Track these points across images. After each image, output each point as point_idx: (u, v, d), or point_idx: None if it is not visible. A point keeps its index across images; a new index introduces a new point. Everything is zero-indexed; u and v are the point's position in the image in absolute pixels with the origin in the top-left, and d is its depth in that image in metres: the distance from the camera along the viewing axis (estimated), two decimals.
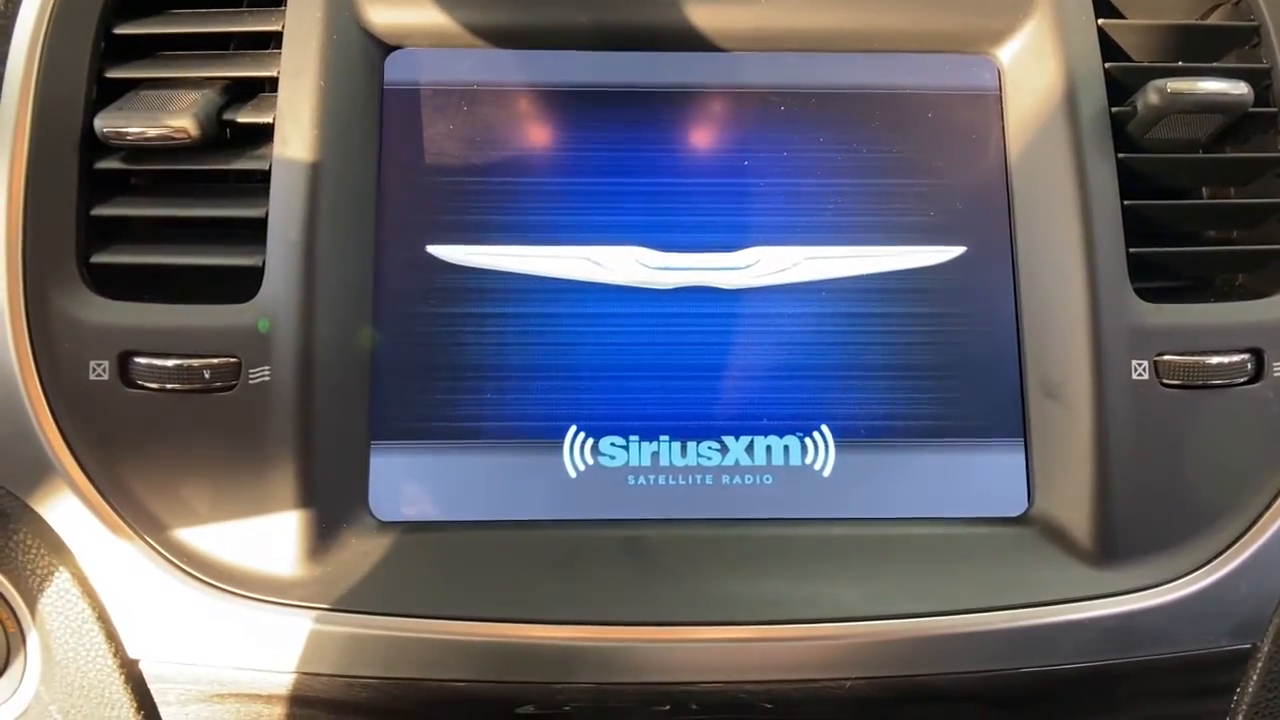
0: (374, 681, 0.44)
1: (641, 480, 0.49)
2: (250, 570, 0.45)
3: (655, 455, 0.49)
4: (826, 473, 0.49)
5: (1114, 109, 0.50)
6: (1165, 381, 0.48)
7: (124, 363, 0.46)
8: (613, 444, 0.49)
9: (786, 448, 0.49)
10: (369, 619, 0.44)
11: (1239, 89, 0.49)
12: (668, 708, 0.46)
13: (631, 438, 0.49)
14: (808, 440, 0.49)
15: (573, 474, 0.49)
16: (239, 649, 0.45)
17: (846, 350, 0.50)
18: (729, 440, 0.49)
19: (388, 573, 0.45)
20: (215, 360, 0.46)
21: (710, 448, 0.49)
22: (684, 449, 0.49)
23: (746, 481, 0.49)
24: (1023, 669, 0.45)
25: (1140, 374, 0.48)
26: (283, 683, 0.45)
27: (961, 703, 0.47)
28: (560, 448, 0.49)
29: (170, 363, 0.46)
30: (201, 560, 0.45)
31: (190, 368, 0.46)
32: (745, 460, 0.49)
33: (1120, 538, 0.47)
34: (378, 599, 0.44)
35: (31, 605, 0.46)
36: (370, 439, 0.48)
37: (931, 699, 0.46)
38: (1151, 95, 0.49)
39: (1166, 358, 0.48)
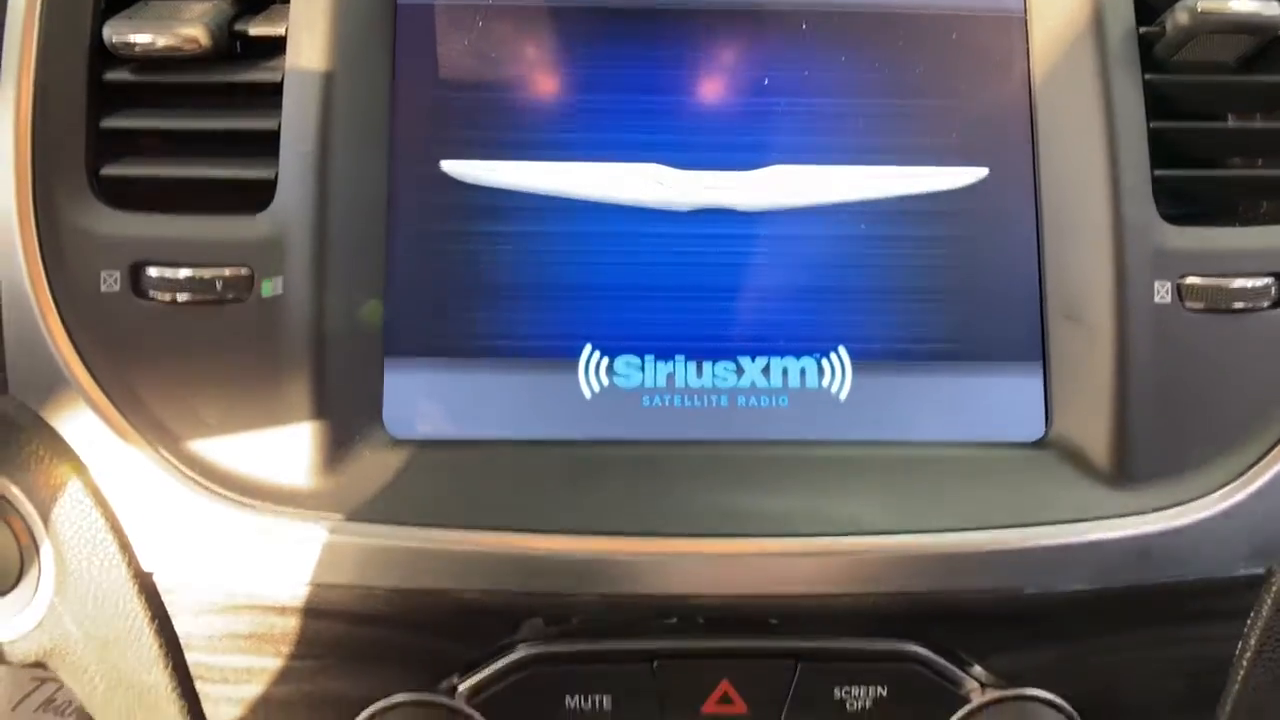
0: (386, 592, 0.44)
1: (657, 401, 0.49)
2: (264, 481, 0.45)
3: (671, 377, 0.49)
4: (843, 396, 0.49)
5: (1142, 29, 0.49)
6: (1188, 305, 0.47)
7: (135, 274, 0.46)
8: (628, 364, 0.49)
9: (803, 370, 0.49)
10: (381, 529, 0.44)
11: (1271, 9, 0.47)
12: (675, 620, 0.46)
13: (647, 358, 0.49)
14: (824, 363, 0.49)
15: (587, 394, 0.48)
16: (251, 560, 0.44)
17: (865, 272, 0.49)
18: (745, 362, 0.49)
19: (401, 485, 0.45)
20: (227, 271, 0.45)
21: (726, 369, 0.49)
22: (700, 370, 0.49)
23: (762, 404, 0.49)
24: (1038, 588, 0.45)
25: (1163, 297, 0.47)
26: (295, 594, 0.45)
27: (975, 622, 0.47)
28: (575, 367, 0.48)
29: (182, 274, 0.45)
30: (215, 471, 0.45)
31: (202, 279, 0.45)
32: (761, 382, 0.49)
33: (1138, 460, 0.46)
34: (391, 510, 0.44)
35: (45, 516, 0.46)
36: (384, 354, 0.47)
37: (942, 617, 0.46)
38: (1180, 15, 0.47)
39: (1189, 281, 0.47)
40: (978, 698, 0.47)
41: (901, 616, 0.46)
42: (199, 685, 0.47)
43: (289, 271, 0.45)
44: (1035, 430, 0.48)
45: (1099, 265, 0.47)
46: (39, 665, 0.50)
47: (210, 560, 0.45)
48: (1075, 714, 0.47)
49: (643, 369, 0.49)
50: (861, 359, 0.49)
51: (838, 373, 0.49)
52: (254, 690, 0.47)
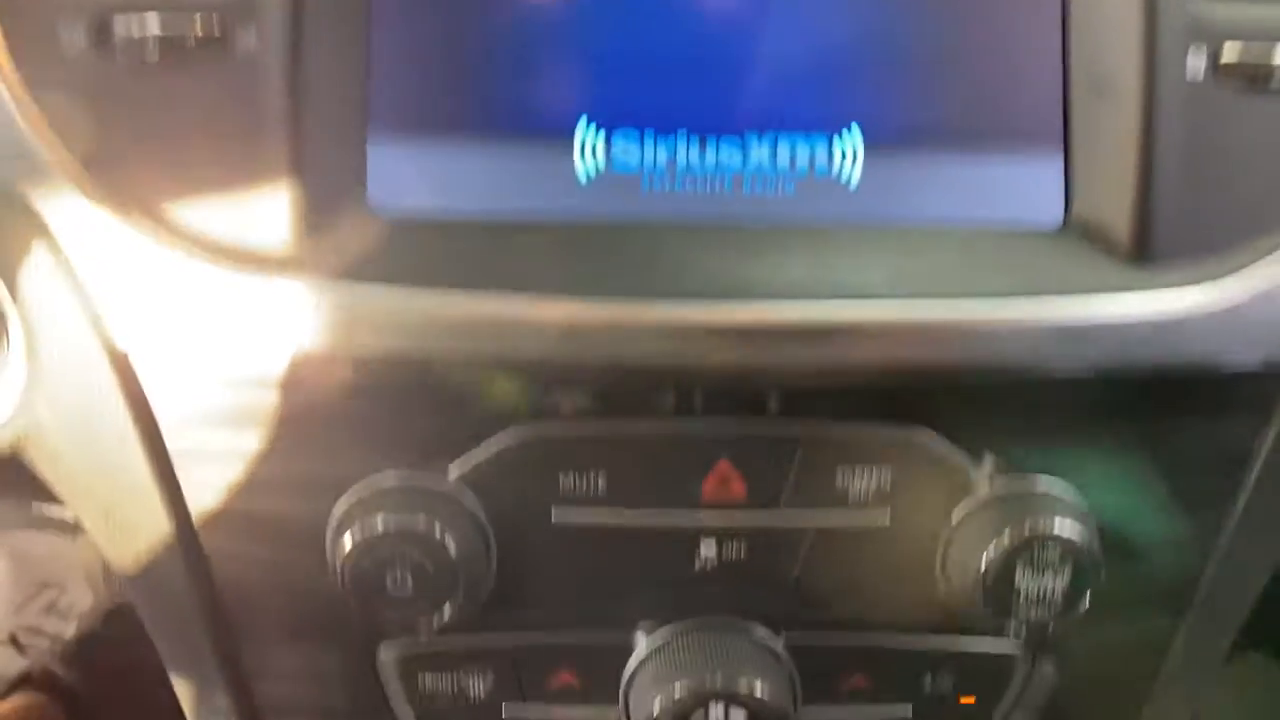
0: (371, 360, 0.42)
1: (657, 186, 0.46)
2: (241, 247, 0.42)
3: (672, 159, 0.46)
4: (853, 182, 0.46)
5: None
6: (1222, 79, 0.44)
7: (100, 28, 0.42)
8: (626, 141, 0.46)
9: (812, 152, 0.46)
10: (365, 289, 0.41)
11: None
12: (674, 398, 0.44)
13: (647, 136, 0.46)
14: (834, 145, 0.46)
15: (584, 172, 0.46)
16: (228, 327, 0.42)
17: (878, 48, 0.46)
18: (751, 142, 0.46)
19: (386, 252, 0.43)
20: (199, 18, 0.42)
21: (730, 151, 0.46)
22: (703, 151, 0.46)
23: (769, 192, 0.46)
24: (1053, 364, 0.43)
25: (1196, 70, 0.44)
26: (276, 364, 0.43)
27: (985, 405, 0.45)
28: (570, 144, 0.46)
29: (150, 23, 0.42)
30: (189, 235, 0.42)
31: (170, 33, 0.42)
32: (767, 165, 0.46)
33: (1162, 239, 0.44)
34: (374, 273, 0.42)
35: (13, 291, 0.44)
36: (367, 123, 0.45)
37: (952, 399, 0.45)
38: None
39: (1225, 54, 0.44)
40: (986, 487, 0.45)
41: (909, 396, 0.45)
42: (179, 470, 0.46)
43: (263, 23, 0.42)
44: (1056, 212, 0.46)
45: (1128, 35, 0.44)
46: (13, 457, 0.48)
47: (185, 329, 0.43)
48: (1087, 508, 0.46)
49: (642, 146, 0.46)
50: (873, 141, 0.46)
51: (848, 155, 0.46)
52: (236, 473, 0.45)
